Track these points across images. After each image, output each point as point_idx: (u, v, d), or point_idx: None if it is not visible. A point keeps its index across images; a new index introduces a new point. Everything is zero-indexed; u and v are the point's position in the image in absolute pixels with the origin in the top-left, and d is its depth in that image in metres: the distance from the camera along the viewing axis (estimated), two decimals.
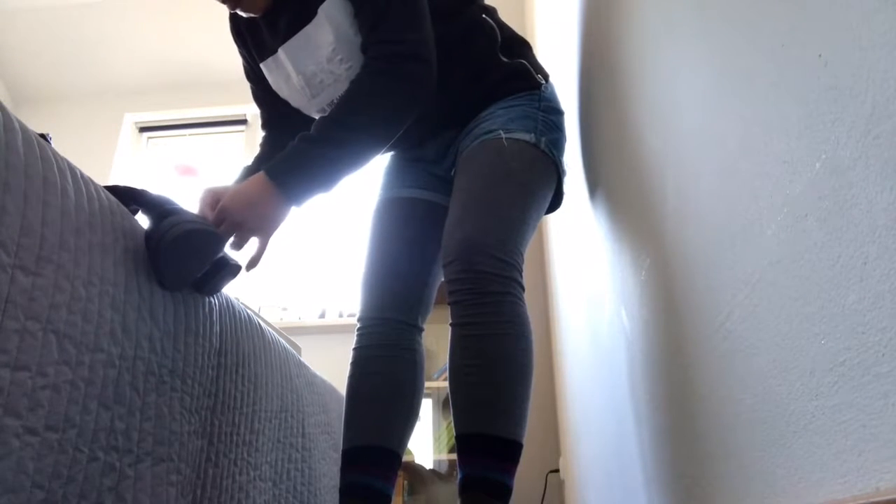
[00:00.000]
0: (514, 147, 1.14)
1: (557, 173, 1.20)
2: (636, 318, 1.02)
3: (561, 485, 2.43)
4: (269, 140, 1.37)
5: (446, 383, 2.48)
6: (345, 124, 1.04)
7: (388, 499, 1.10)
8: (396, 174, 1.35)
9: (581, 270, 1.67)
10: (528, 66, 1.26)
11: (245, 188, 1.00)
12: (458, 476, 1.01)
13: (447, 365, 1.08)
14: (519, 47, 1.29)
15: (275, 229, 1.03)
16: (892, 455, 0.40)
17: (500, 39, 1.26)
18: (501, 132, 1.15)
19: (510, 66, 1.24)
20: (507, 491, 0.99)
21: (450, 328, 1.06)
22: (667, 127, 0.83)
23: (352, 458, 1.12)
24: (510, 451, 1.00)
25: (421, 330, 1.25)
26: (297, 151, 1.02)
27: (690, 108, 0.75)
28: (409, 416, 1.18)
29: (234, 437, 1.11)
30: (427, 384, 2.94)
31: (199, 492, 0.99)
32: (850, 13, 0.44)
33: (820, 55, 0.47)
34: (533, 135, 1.16)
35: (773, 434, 0.56)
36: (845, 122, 0.44)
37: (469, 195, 1.10)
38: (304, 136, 1.03)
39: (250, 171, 1.25)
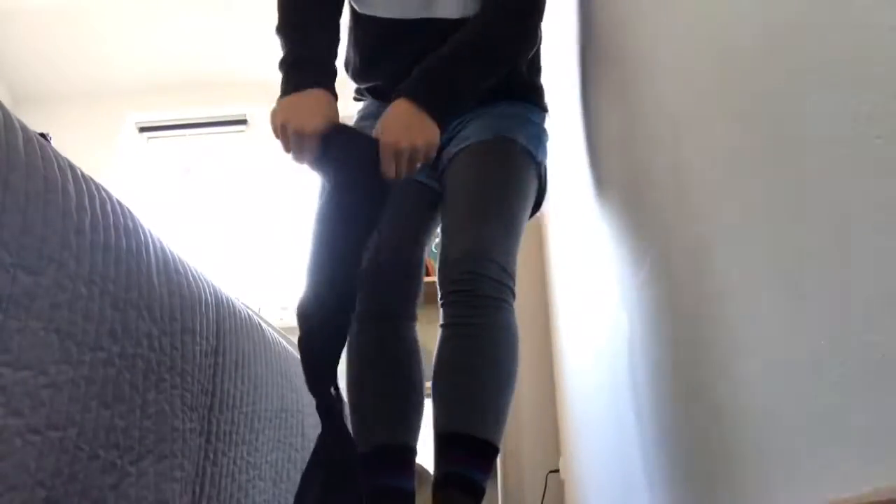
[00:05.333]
0: (523, 159, 1.17)
1: (537, 194, 1.23)
2: (636, 319, 1.02)
3: (561, 485, 2.43)
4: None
5: None
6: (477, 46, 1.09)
7: (414, 497, 1.09)
8: None
9: (581, 270, 1.67)
10: (542, 89, 1.31)
11: (393, 116, 1.02)
12: (434, 475, 1.01)
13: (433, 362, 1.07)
14: (538, 69, 1.32)
15: (436, 143, 1.04)
16: (892, 455, 0.40)
17: (536, 50, 1.28)
18: (520, 138, 1.17)
19: (529, 80, 1.28)
20: (480, 490, 1.00)
21: (439, 328, 1.06)
22: (668, 126, 0.83)
23: (378, 459, 1.07)
24: (486, 452, 1.01)
25: (416, 318, 1.21)
26: (432, 73, 1.06)
27: (691, 107, 0.75)
28: (419, 407, 1.16)
29: (234, 437, 1.11)
30: (427, 384, 2.93)
31: (197, 489, 0.99)
32: (851, 13, 0.44)
33: (821, 54, 0.47)
34: (539, 153, 1.20)
35: (773, 434, 0.56)
36: (845, 121, 0.44)
37: (477, 198, 1.12)
38: (441, 56, 1.06)
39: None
